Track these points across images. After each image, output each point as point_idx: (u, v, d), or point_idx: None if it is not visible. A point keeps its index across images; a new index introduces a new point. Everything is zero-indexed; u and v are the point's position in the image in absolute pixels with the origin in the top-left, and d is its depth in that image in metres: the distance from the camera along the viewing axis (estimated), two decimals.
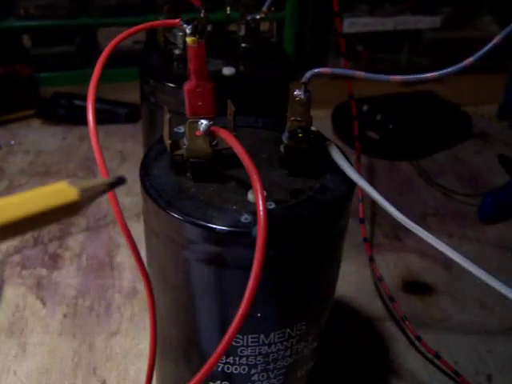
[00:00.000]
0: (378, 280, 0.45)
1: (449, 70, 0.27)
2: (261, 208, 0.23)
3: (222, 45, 0.41)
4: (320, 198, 0.26)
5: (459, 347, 0.42)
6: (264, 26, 0.41)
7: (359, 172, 0.36)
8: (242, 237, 0.24)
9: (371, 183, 0.28)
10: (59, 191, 0.17)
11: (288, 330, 0.28)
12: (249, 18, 0.39)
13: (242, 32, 0.39)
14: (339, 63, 0.85)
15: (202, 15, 0.38)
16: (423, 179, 0.61)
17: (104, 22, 0.78)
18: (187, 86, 0.27)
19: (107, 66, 0.87)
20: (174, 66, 0.39)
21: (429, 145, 0.66)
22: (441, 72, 0.27)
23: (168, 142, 0.27)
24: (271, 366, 0.29)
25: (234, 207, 0.26)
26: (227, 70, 0.38)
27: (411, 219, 0.26)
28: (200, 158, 0.27)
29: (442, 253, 0.52)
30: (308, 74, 0.28)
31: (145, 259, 0.30)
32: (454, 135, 0.68)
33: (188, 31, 0.27)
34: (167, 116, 0.26)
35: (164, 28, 0.38)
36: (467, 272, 0.50)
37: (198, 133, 0.26)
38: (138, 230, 0.51)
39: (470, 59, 0.27)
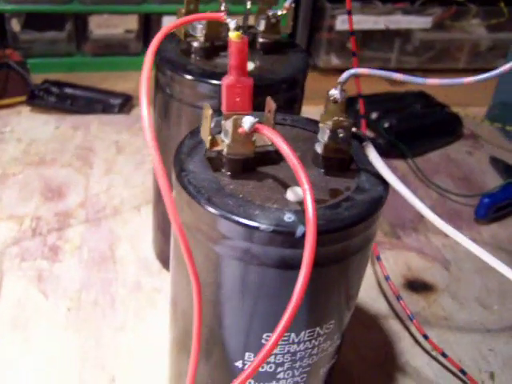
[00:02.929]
0: (385, 279, 0.46)
1: (486, 75, 0.27)
2: (310, 210, 0.23)
3: None
4: (359, 199, 0.26)
5: (462, 346, 0.43)
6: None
7: None
8: (286, 236, 0.24)
9: None
10: None
11: (318, 329, 0.28)
12: (270, 13, 0.38)
13: (262, 27, 0.39)
14: (330, 60, 0.85)
15: (223, 8, 0.38)
16: (419, 178, 0.62)
17: (96, 9, 0.76)
18: (227, 81, 0.27)
19: (99, 54, 0.86)
20: (192, 59, 0.38)
21: (422, 144, 0.67)
22: (477, 77, 0.27)
23: (208, 138, 0.26)
24: (297, 364, 0.29)
25: (276, 206, 0.25)
26: None
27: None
28: (240, 155, 0.26)
29: (440, 252, 0.53)
30: (345, 75, 0.28)
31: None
32: (445, 135, 0.69)
33: (232, 26, 0.26)
34: (209, 112, 0.26)
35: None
36: (465, 271, 0.51)
37: (241, 130, 0.25)
38: (138, 222, 0.51)
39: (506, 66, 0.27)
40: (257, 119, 0.25)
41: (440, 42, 0.88)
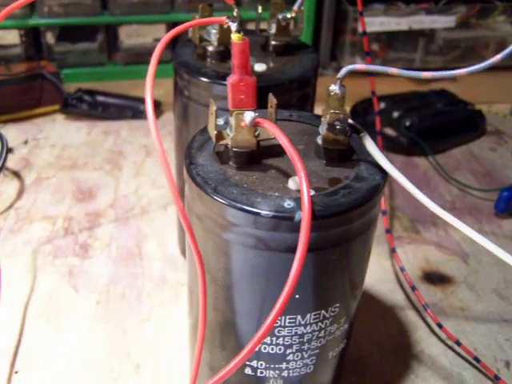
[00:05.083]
0: (400, 270, 0.47)
1: (476, 66, 0.28)
2: (305, 194, 0.24)
3: (253, 42, 0.42)
4: (356, 186, 0.28)
5: (478, 335, 0.44)
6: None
7: None
8: (286, 221, 0.26)
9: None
10: None
11: (323, 312, 0.30)
12: (280, 16, 0.40)
13: (273, 30, 0.41)
14: (354, 62, 0.86)
15: (235, 14, 0.40)
16: (440, 175, 0.63)
17: (125, 20, 0.80)
18: (231, 80, 0.29)
19: (129, 63, 0.89)
20: (207, 62, 0.40)
21: (444, 141, 0.67)
22: (469, 69, 0.28)
23: (214, 132, 0.28)
24: (305, 347, 0.31)
25: (277, 194, 0.27)
26: (259, 67, 0.40)
27: (430, 213, 0.28)
28: (244, 147, 0.28)
29: (459, 245, 0.53)
30: (343, 71, 0.29)
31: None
32: (468, 132, 0.70)
33: (233, 29, 0.28)
34: (214, 108, 0.28)
35: (199, 26, 0.40)
36: (484, 264, 0.51)
37: (243, 124, 0.27)
38: (164, 221, 0.54)
39: (498, 57, 0.28)
40: (256, 114, 0.27)
41: (465, 41, 0.88)
